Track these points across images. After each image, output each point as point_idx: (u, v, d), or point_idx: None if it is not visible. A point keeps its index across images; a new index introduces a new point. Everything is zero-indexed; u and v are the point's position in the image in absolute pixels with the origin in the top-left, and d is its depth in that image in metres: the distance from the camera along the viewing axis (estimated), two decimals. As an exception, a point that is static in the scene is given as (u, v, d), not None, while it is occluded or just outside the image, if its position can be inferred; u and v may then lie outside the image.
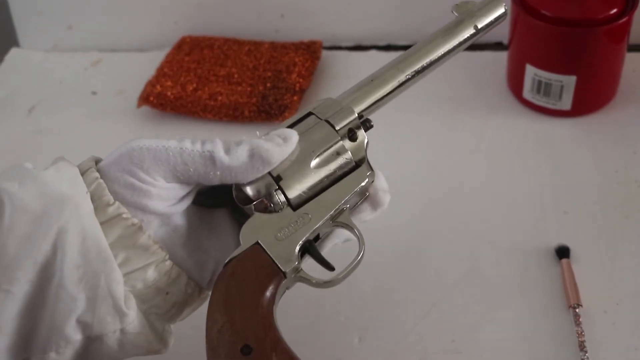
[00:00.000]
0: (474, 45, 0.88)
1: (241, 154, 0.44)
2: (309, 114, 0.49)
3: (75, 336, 0.43)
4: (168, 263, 0.46)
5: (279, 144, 0.45)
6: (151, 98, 0.81)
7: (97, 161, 0.46)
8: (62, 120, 0.84)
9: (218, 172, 0.44)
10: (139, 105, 0.81)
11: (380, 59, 0.88)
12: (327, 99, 0.51)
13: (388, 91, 0.51)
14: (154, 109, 0.81)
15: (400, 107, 0.78)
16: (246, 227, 0.45)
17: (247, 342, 0.41)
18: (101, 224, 0.43)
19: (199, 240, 0.48)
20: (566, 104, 0.76)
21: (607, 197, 0.69)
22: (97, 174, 0.44)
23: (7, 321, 0.41)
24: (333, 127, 0.48)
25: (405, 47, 0.88)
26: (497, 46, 0.88)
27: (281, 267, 0.44)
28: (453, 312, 0.60)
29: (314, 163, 0.47)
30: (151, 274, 0.45)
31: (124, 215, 0.43)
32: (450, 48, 0.53)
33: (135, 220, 0.44)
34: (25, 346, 0.43)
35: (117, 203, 0.43)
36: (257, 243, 0.45)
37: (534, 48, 0.75)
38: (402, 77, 0.51)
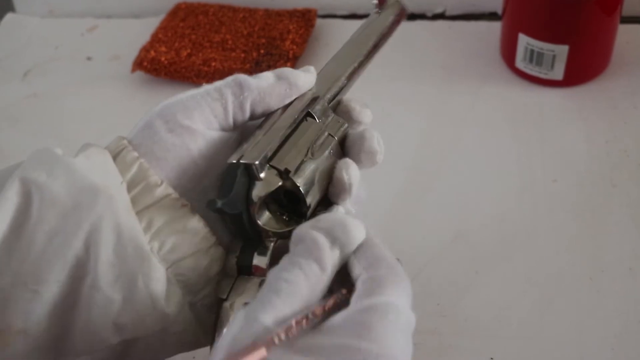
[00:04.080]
0: (468, 15, 0.90)
1: (268, 76, 0.42)
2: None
3: (113, 339, 0.40)
4: (219, 248, 0.42)
5: (303, 70, 0.44)
6: (145, 63, 0.81)
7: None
8: (56, 85, 0.85)
9: (247, 95, 0.41)
10: (133, 70, 0.82)
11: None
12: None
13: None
14: (148, 74, 0.82)
15: (393, 75, 0.79)
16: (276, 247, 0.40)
17: None
18: (148, 207, 0.40)
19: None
20: (558, 73, 0.76)
21: (596, 166, 0.69)
22: (135, 153, 0.40)
23: (35, 323, 0.38)
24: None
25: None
26: (492, 16, 0.89)
27: None
28: (439, 276, 0.61)
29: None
30: (202, 261, 0.41)
31: (173, 196, 0.40)
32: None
33: (185, 201, 0.40)
34: (56, 348, 0.39)
35: (164, 183, 0.40)
36: None
37: (527, 17, 0.75)
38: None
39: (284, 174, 0.38)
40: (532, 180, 0.68)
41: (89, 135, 0.76)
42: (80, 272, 0.38)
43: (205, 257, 0.41)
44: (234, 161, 0.38)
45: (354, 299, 0.34)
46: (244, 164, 0.37)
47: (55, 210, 0.37)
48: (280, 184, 0.38)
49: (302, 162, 0.39)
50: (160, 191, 0.40)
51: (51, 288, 0.37)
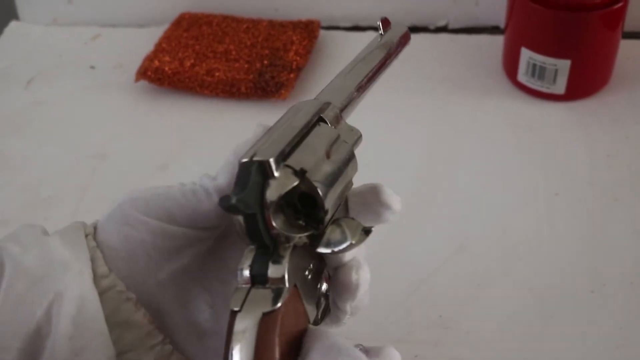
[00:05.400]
0: (470, 29, 0.90)
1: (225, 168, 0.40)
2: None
3: None
4: (167, 347, 0.41)
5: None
6: (149, 72, 0.81)
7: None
8: (60, 93, 0.85)
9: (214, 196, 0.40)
10: (137, 79, 0.82)
11: (377, 40, 0.89)
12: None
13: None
14: (151, 84, 0.82)
15: (395, 87, 0.80)
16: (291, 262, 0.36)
17: None
18: None
19: (212, 316, 0.42)
20: (560, 88, 0.76)
21: (598, 180, 0.69)
22: (93, 243, 0.40)
23: None
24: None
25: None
26: (494, 30, 0.89)
27: (309, 319, 0.37)
28: (441, 288, 0.61)
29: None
30: (145, 357, 0.40)
31: (118, 288, 0.40)
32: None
33: (132, 295, 0.40)
34: None
35: (112, 275, 0.40)
36: (295, 286, 0.36)
37: (530, 31, 0.75)
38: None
39: (300, 174, 0.36)
40: (534, 193, 0.69)
41: (92, 143, 0.77)
42: (40, 342, 0.38)
43: (150, 353, 0.40)
44: (247, 159, 0.35)
45: None
46: (258, 161, 0.35)
47: (25, 279, 0.38)
48: (296, 183, 0.36)
49: (318, 163, 0.37)
50: (106, 283, 0.39)
51: (14, 355, 0.37)
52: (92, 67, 0.89)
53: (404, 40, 0.51)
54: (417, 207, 0.68)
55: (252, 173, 0.35)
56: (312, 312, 0.37)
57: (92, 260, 0.39)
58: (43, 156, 0.76)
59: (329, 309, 0.41)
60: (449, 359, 0.56)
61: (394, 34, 0.51)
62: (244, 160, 0.35)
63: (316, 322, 0.39)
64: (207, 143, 0.76)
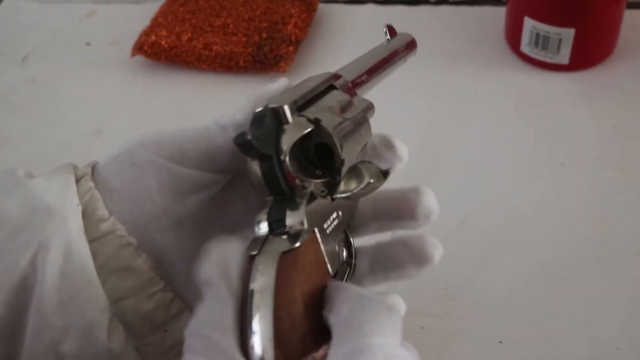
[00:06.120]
0: (471, 0, 0.88)
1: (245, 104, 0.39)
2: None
3: None
4: (168, 295, 0.39)
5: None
6: (145, 47, 0.80)
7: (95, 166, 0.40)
8: (55, 70, 0.84)
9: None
10: (133, 54, 0.80)
11: (377, 13, 0.88)
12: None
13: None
14: (148, 59, 0.80)
15: (397, 60, 0.78)
16: (308, 209, 0.36)
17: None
18: (92, 241, 0.37)
19: None
20: (564, 57, 0.75)
21: (604, 150, 0.68)
22: (91, 184, 0.38)
23: None
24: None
25: (402, 2, 0.88)
26: (495, 1, 0.88)
27: (330, 269, 0.36)
28: (447, 260, 0.59)
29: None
30: (145, 304, 0.39)
31: (119, 232, 0.38)
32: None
33: (132, 239, 0.38)
34: None
35: (112, 218, 0.38)
36: (314, 232, 0.35)
37: (533, 0, 0.74)
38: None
39: (314, 122, 0.36)
40: (539, 164, 0.68)
41: (88, 120, 0.76)
42: (26, 295, 0.36)
43: (149, 301, 0.39)
44: (261, 109, 0.35)
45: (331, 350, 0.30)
46: (272, 108, 0.35)
47: (5, 230, 0.36)
48: (310, 128, 0.35)
49: (333, 116, 0.37)
50: (106, 226, 0.38)
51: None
52: (88, 44, 0.87)
53: (410, 47, 0.51)
54: (420, 180, 0.66)
55: (266, 119, 0.35)
56: (332, 264, 0.36)
57: (90, 202, 0.38)
58: (38, 134, 0.75)
59: (348, 274, 0.41)
60: (455, 331, 0.55)
61: (400, 41, 0.51)
62: (258, 110, 0.35)
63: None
64: (205, 118, 0.74)
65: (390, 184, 0.62)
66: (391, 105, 0.74)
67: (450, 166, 0.68)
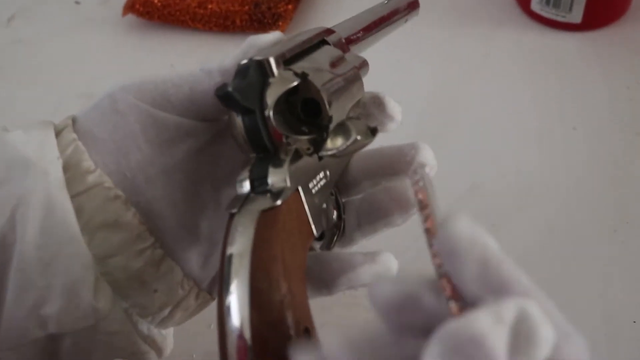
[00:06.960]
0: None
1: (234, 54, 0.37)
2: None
3: (37, 332, 0.35)
4: (158, 252, 0.37)
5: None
6: (137, 5, 0.76)
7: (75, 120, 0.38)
8: (43, 30, 0.80)
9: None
10: (124, 13, 0.77)
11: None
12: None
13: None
14: (140, 18, 0.77)
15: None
16: (292, 166, 0.34)
17: (306, 324, 0.31)
18: (78, 194, 0.35)
19: (204, 221, 0.39)
20: (576, 16, 0.72)
21: (618, 113, 0.66)
22: (74, 135, 0.36)
23: None
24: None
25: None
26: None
27: (314, 230, 0.35)
28: (454, 228, 0.57)
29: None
30: (134, 262, 0.37)
31: (106, 184, 0.36)
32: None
33: (120, 193, 0.36)
34: None
35: (99, 170, 0.36)
36: (297, 191, 0.34)
37: (545, -45, 0.71)
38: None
39: (301, 75, 0.34)
40: (550, 128, 0.65)
41: (77, 82, 0.73)
42: (5, 254, 0.35)
43: (138, 258, 0.37)
44: (246, 61, 0.33)
45: None
46: (257, 60, 0.33)
47: None
48: (296, 82, 0.34)
49: (322, 71, 0.35)
50: (93, 178, 0.36)
51: None
52: (77, 2, 0.84)
53: (411, 7, 0.49)
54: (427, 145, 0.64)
55: (250, 71, 0.33)
56: (317, 225, 0.35)
57: (75, 153, 0.36)
58: (26, 97, 0.72)
59: (337, 236, 0.39)
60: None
61: (401, 0, 0.49)
62: (243, 62, 0.33)
63: (324, 246, 0.38)
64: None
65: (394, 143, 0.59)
66: (392, 67, 0.71)
67: (457, 130, 0.65)
